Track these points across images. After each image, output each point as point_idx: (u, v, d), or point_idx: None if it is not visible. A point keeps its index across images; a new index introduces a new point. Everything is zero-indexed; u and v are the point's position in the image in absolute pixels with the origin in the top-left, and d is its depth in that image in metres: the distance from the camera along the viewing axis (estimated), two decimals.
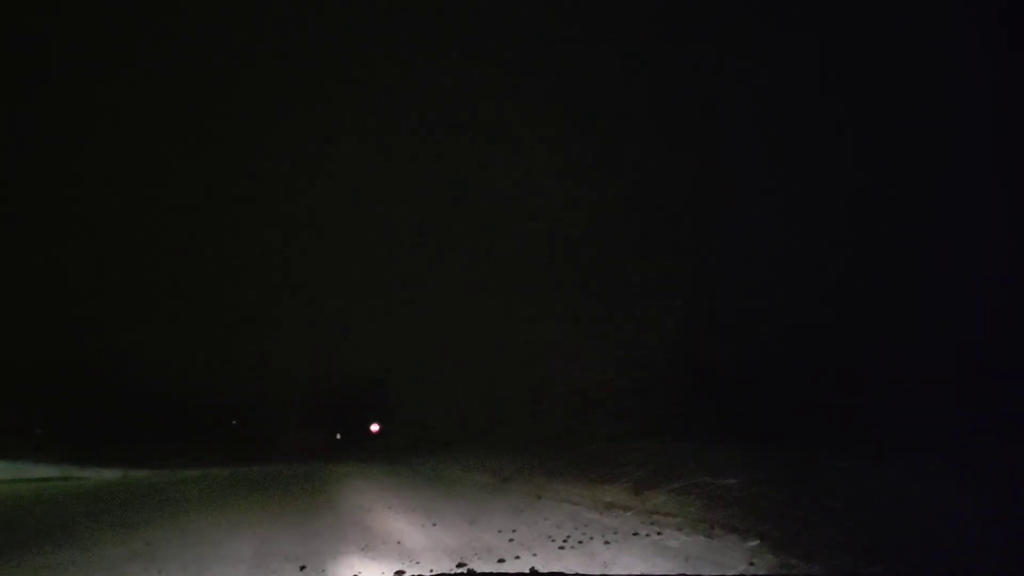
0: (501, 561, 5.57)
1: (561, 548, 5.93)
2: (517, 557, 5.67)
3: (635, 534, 6.29)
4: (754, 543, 5.62)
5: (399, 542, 6.54)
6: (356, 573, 5.42)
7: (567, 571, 5.03)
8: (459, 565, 5.46)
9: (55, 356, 29.06)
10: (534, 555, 5.72)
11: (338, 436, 32.95)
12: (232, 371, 34.28)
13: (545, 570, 5.06)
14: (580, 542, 6.11)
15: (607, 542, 6.04)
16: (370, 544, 6.54)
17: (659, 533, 6.25)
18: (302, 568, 5.67)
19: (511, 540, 6.32)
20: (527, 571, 5.02)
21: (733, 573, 4.74)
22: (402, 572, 5.31)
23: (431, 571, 5.26)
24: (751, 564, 5.05)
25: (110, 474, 16.49)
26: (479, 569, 5.26)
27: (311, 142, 38.11)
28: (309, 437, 33.72)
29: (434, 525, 7.34)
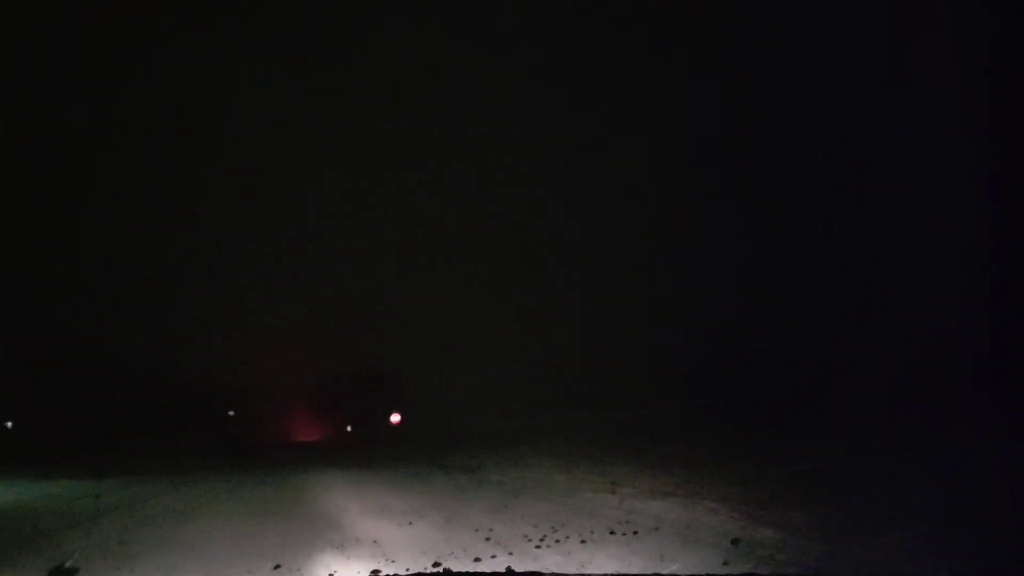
0: (477, 560, 5.58)
1: (538, 547, 5.94)
2: (493, 556, 5.68)
3: (611, 533, 6.32)
4: (728, 542, 5.67)
5: (375, 541, 6.52)
6: (332, 572, 5.40)
7: (543, 570, 5.05)
8: (435, 564, 5.46)
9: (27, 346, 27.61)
10: (510, 554, 5.73)
11: (348, 428, 28.72)
12: (229, 359, 32.81)
13: (521, 569, 5.07)
14: (557, 541, 6.12)
15: (583, 541, 6.06)
16: (345, 543, 6.51)
17: (635, 532, 6.28)
18: (276, 567, 5.64)
19: (487, 539, 6.33)
20: (503, 570, 5.02)
21: (707, 572, 4.79)
22: (377, 571, 5.29)
23: (407, 570, 5.26)
24: (725, 564, 5.10)
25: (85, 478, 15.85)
26: (455, 568, 5.25)
27: (331, 142, 38.08)
28: (313, 428, 31.20)
29: (410, 524, 7.33)
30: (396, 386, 28.16)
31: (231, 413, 33.85)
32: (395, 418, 27.31)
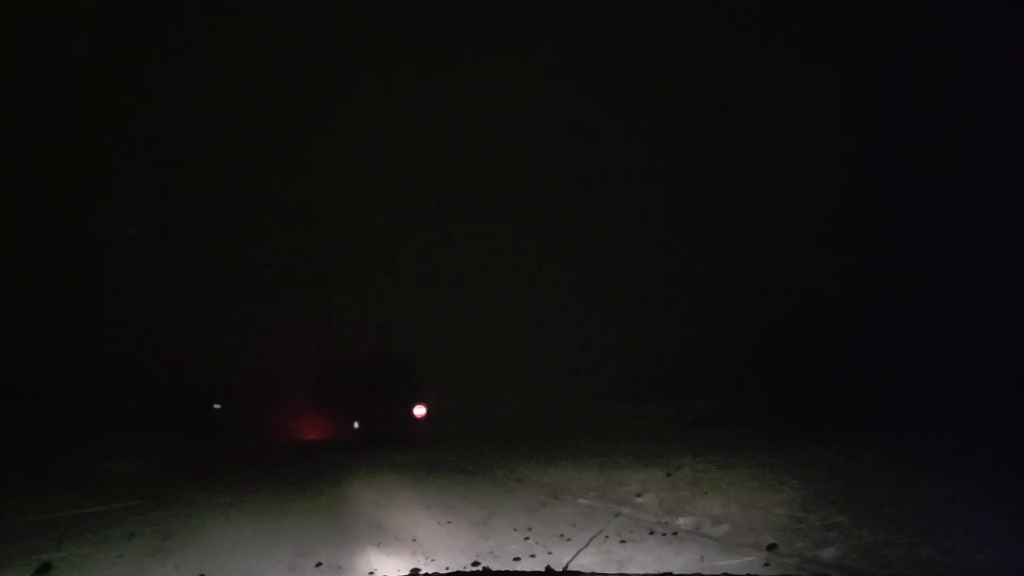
0: (516, 560, 5.58)
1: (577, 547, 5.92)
2: (532, 556, 5.68)
3: (651, 533, 6.28)
4: (769, 543, 5.59)
5: (414, 539, 6.56)
6: (372, 570, 5.45)
7: (582, 570, 5.03)
8: (474, 563, 5.48)
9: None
10: (549, 553, 5.72)
11: (356, 425, 26.26)
12: (217, 350, 29.74)
13: (560, 569, 5.06)
14: (596, 540, 6.10)
15: (622, 541, 6.03)
16: (385, 541, 6.57)
17: (675, 533, 6.23)
18: (318, 565, 5.72)
19: (526, 539, 6.33)
20: (542, 570, 5.02)
21: (747, 573, 4.72)
22: (417, 570, 5.32)
23: (447, 569, 5.28)
24: (766, 564, 5.02)
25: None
26: (494, 567, 5.27)
27: (344, 137, 38.15)
28: (319, 425, 28.16)
29: (449, 523, 7.37)
30: (416, 374, 24.26)
31: (217, 407, 29.65)
32: (419, 411, 23.44)
